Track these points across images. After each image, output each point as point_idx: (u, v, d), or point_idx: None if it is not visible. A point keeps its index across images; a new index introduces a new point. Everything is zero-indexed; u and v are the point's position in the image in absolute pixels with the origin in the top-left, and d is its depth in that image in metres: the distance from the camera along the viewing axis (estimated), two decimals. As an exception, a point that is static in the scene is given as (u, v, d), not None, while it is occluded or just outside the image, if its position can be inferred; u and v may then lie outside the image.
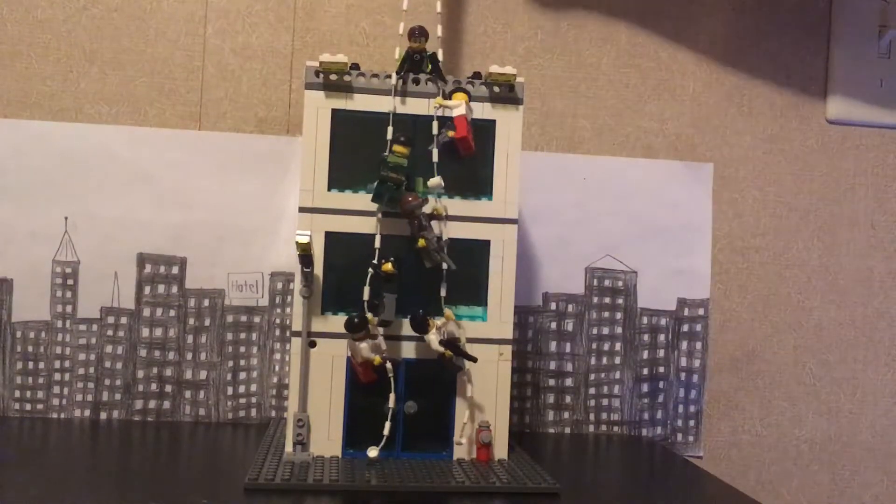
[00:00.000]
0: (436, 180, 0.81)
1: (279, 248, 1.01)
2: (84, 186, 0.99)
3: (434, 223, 0.81)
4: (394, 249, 0.81)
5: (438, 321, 0.80)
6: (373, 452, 0.78)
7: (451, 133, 0.81)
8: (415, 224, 0.79)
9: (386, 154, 0.80)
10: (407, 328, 0.81)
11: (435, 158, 0.81)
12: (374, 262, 0.80)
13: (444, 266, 0.80)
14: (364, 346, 0.79)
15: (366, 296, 0.80)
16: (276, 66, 1.03)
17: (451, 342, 0.80)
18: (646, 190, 1.07)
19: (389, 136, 0.81)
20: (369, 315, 0.79)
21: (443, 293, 0.81)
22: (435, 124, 0.82)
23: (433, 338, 0.79)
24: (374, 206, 0.81)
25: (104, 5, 1.01)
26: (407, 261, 0.81)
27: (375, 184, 0.80)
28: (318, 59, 0.81)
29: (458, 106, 0.82)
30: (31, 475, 0.77)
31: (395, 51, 0.84)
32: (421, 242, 0.79)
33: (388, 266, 0.79)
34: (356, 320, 0.78)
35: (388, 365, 0.79)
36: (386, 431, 0.78)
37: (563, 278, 1.06)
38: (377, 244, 0.81)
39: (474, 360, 0.81)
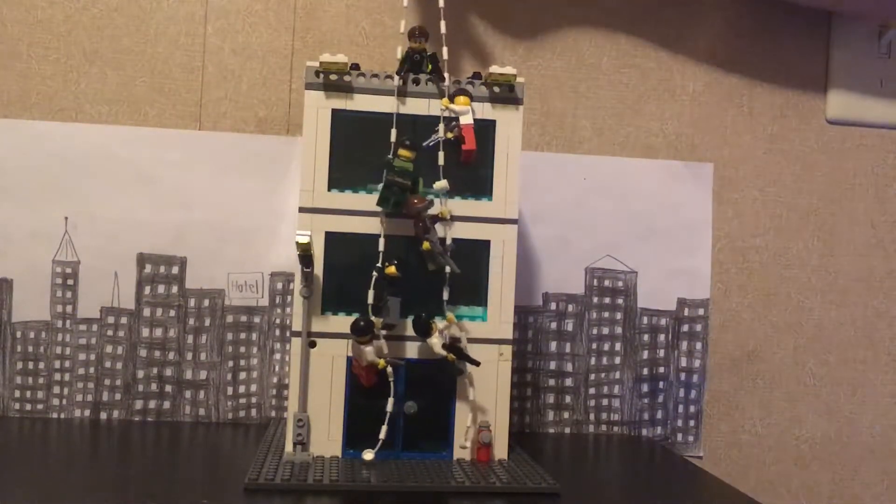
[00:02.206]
0: (441, 183, 0.81)
1: (279, 248, 1.01)
2: (84, 186, 0.99)
3: (438, 226, 0.80)
4: (395, 250, 0.81)
5: (441, 324, 0.80)
6: (368, 455, 0.78)
7: (449, 134, 0.81)
8: (419, 226, 0.79)
9: (391, 158, 0.80)
10: (410, 329, 0.81)
11: (441, 161, 0.81)
12: (378, 264, 0.80)
13: (448, 269, 0.80)
14: (368, 350, 0.78)
15: (370, 299, 0.79)
16: (276, 66, 1.03)
17: (453, 346, 0.80)
18: (646, 190, 1.07)
19: (393, 138, 0.81)
20: (374, 318, 0.79)
21: (445, 297, 0.81)
22: (441, 126, 0.82)
23: (436, 341, 0.79)
24: (374, 207, 0.81)
25: (104, 5, 1.01)
26: (409, 262, 0.80)
27: (381, 187, 0.80)
28: (318, 59, 0.81)
29: (465, 113, 0.81)
30: (31, 475, 0.77)
31: (397, 50, 0.84)
32: (425, 245, 0.79)
33: (392, 269, 0.79)
34: (362, 324, 0.78)
35: (389, 369, 0.79)
36: (382, 435, 0.78)
37: (563, 278, 1.06)
38: (381, 247, 0.80)
39: (477, 363, 0.81)
